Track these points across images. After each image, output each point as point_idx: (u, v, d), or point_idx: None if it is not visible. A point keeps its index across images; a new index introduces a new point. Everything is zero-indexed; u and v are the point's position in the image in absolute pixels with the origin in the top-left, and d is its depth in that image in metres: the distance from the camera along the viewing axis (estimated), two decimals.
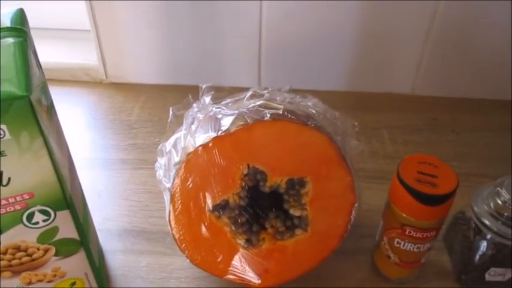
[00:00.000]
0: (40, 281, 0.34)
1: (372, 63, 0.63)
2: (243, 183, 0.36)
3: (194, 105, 0.43)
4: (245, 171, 0.36)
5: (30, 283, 0.34)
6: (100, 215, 0.47)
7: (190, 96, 0.45)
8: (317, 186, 0.37)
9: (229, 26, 0.60)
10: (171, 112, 0.44)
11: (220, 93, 0.43)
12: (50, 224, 0.31)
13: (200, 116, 0.40)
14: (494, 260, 0.40)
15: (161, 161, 0.41)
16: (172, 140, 0.40)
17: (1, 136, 0.26)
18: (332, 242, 0.39)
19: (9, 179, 0.28)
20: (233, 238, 0.37)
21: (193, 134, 0.36)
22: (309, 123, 0.36)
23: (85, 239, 0.34)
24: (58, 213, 0.31)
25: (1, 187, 0.28)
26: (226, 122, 0.35)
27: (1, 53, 0.27)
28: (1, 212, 0.29)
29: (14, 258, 0.32)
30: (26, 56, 0.27)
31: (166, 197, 0.38)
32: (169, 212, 0.37)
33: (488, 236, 0.39)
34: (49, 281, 0.34)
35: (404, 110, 0.63)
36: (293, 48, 0.62)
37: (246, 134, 0.35)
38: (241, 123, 0.35)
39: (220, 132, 0.35)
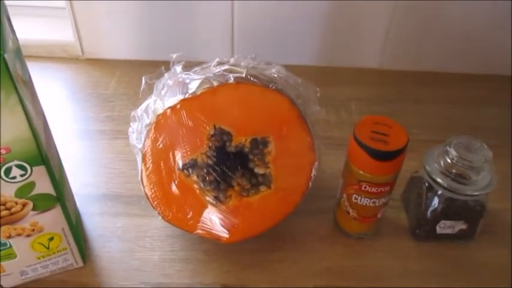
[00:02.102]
0: (19, 235, 0.36)
1: (341, 38, 0.66)
2: (210, 143, 0.39)
3: (165, 74, 0.46)
4: (212, 132, 0.38)
5: (9, 237, 0.36)
6: (79, 181, 0.49)
7: (162, 67, 0.47)
8: (279, 145, 0.39)
9: (203, 2, 0.62)
10: (143, 81, 0.46)
11: (192, 66, 0.46)
12: (26, 179, 0.33)
13: (170, 82, 0.42)
14: (444, 214, 0.43)
15: (134, 126, 0.43)
16: (144, 106, 0.42)
17: None
18: (295, 198, 0.42)
19: None
20: (202, 195, 0.40)
21: (162, 97, 0.39)
22: (271, 86, 0.38)
23: (61, 195, 0.36)
24: (34, 168, 0.33)
25: None
26: (193, 86, 0.38)
27: None
28: None
29: None
30: (0, 18, 0.29)
31: (139, 158, 0.41)
32: (141, 171, 0.39)
33: (439, 192, 0.42)
34: (28, 235, 0.36)
35: (372, 84, 0.66)
36: (264, 25, 0.65)
37: (211, 96, 0.37)
38: (207, 86, 0.37)
39: (187, 95, 0.37)
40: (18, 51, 0.33)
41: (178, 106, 0.37)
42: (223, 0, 0.62)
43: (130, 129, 0.44)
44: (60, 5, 0.66)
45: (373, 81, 0.67)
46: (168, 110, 0.37)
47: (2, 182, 0.32)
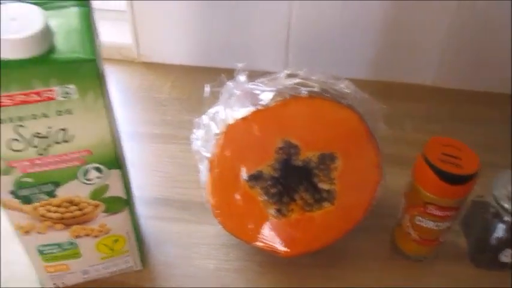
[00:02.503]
0: (87, 235, 0.37)
1: (396, 53, 0.65)
2: (277, 156, 0.39)
3: (229, 83, 0.46)
4: (280, 145, 0.38)
5: (78, 236, 0.36)
6: (133, 183, 0.50)
7: (223, 75, 0.48)
8: (346, 162, 0.39)
9: (260, 11, 0.62)
10: (207, 89, 0.47)
11: (255, 76, 0.46)
12: (102, 181, 0.34)
13: (237, 92, 0.42)
14: (509, 242, 0.42)
15: (198, 133, 0.43)
16: (210, 113, 0.43)
17: (69, 95, 0.29)
18: (357, 215, 0.41)
19: (72, 136, 0.30)
20: (264, 207, 0.40)
21: (232, 107, 0.39)
22: (342, 101, 0.38)
23: (130, 199, 0.37)
24: (110, 171, 0.33)
25: (64, 143, 0.30)
26: (265, 97, 0.38)
27: (70, 20, 0.29)
28: (61, 167, 0.32)
29: (67, 212, 0.34)
30: (91, 24, 0.30)
31: (203, 166, 0.41)
32: (207, 179, 0.39)
33: (506, 219, 0.41)
34: (95, 236, 0.37)
35: (426, 101, 0.65)
36: (320, 36, 0.64)
37: (283, 109, 0.37)
38: (279, 99, 0.37)
39: (259, 106, 0.37)
40: (100, 53, 0.34)
41: (249, 117, 0.37)
42: (281, 9, 0.62)
43: (193, 136, 0.44)
44: (119, 7, 0.67)
45: (428, 98, 0.65)
46: (240, 121, 0.37)
47: (79, 183, 0.33)
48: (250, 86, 0.41)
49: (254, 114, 0.37)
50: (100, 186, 0.34)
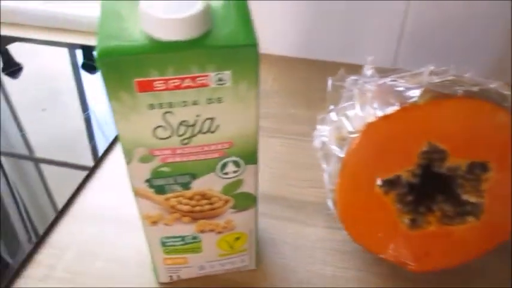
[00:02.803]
0: (212, 230, 0.35)
1: None
2: (419, 161, 0.35)
3: (353, 77, 0.43)
4: (425, 148, 0.34)
5: (202, 231, 0.35)
6: None
7: (342, 69, 0.44)
8: (500, 173, 0.34)
9: (374, 3, 0.58)
10: (329, 82, 0.44)
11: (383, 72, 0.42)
12: (237, 176, 0.31)
13: (370, 87, 0.38)
14: None
15: (323, 129, 0.40)
16: (339, 109, 0.40)
17: (223, 82, 0.26)
18: (503, 234, 0.36)
19: (217, 126, 0.28)
20: (398, 216, 0.36)
21: (371, 104, 0.35)
22: (504, 105, 0.33)
23: (257, 196, 0.34)
24: (246, 166, 0.31)
25: (209, 133, 0.29)
26: (412, 94, 0.34)
27: (226, 2, 0.27)
28: (202, 158, 0.30)
29: (197, 205, 0.33)
30: (247, 7, 0.28)
31: (330, 166, 0.38)
32: (336, 180, 0.36)
33: None
34: (219, 232, 0.35)
35: None
36: (435, 34, 0.59)
37: (435, 109, 0.33)
38: (429, 97, 0.33)
39: (405, 104, 0.33)
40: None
41: (393, 115, 0.33)
42: (397, 4, 0.58)
43: (317, 132, 0.42)
44: None
45: None
46: (381, 119, 0.34)
47: (215, 176, 0.31)
48: (389, 81, 0.38)
49: (399, 112, 0.33)
50: (234, 181, 0.32)
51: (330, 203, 0.40)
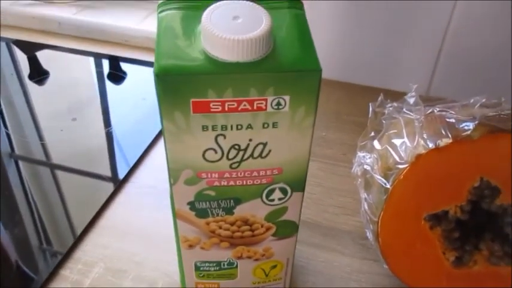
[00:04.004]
0: (249, 257, 0.33)
1: None
2: (470, 197, 0.33)
3: (395, 104, 0.42)
4: (476, 184, 0.33)
5: (240, 257, 0.33)
6: None
7: (382, 94, 0.43)
8: None
9: (412, 31, 0.57)
10: (370, 108, 0.43)
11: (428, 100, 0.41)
12: (283, 203, 0.30)
13: (417, 116, 0.37)
14: None
15: (364, 157, 0.39)
16: (382, 137, 0.38)
17: (281, 107, 0.25)
18: None
19: (269, 152, 0.27)
20: (442, 253, 0.35)
21: (420, 134, 0.34)
22: None
23: (299, 225, 0.33)
24: (293, 194, 0.30)
25: (259, 158, 0.27)
26: (466, 127, 0.33)
27: (286, 23, 0.26)
28: (249, 183, 0.29)
29: (238, 231, 0.31)
30: (309, 32, 0.27)
31: (370, 195, 0.36)
32: (382, 212, 0.35)
33: None
34: (256, 259, 0.34)
35: None
36: (472, 64, 0.58)
37: (490, 144, 0.32)
38: (484, 130, 0.32)
39: (459, 137, 0.32)
40: None
41: (447, 148, 0.32)
42: (435, 32, 0.57)
43: (357, 159, 0.40)
44: None
45: None
46: (433, 151, 0.32)
47: (260, 202, 0.30)
48: (437, 111, 0.36)
49: (453, 145, 0.32)
50: (279, 208, 0.30)
51: (369, 234, 0.38)
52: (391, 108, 0.41)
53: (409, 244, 0.35)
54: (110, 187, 0.48)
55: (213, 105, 0.25)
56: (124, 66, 0.66)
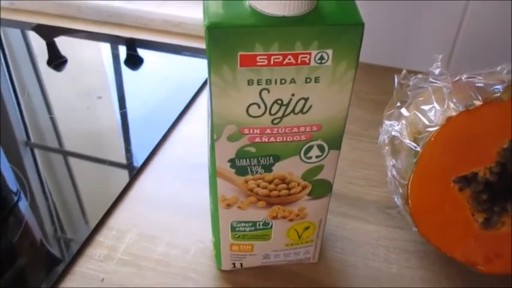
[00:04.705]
0: (284, 217, 0.34)
1: None
2: (499, 158, 0.34)
3: (419, 75, 0.43)
4: (505, 146, 0.34)
5: (275, 217, 0.34)
6: None
7: (405, 70, 0.44)
8: None
9: (431, 11, 0.58)
10: (396, 79, 0.44)
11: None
12: (319, 161, 0.31)
13: (443, 84, 0.38)
14: None
15: (390, 124, 0.40)
16: (410, 105, 0.39)
17: (323, 61, 0.26)
18: None
19: (310, 107, 0.28)
20: (471, 215, 0.36)
21: (449, 99, 0.35)
22: None
23: (333, 184, 0.34)
24: (329, 152, 0.31)
25: (300, 114, 0.28)
26: (495, 89, 0.33)
27: None
28: (288, 140, 0.30)
29: (275, 190, 0.32)
30: None
31: (402, 161, 0.37)
32: (412, 174, 0.36)
33: None
34: (290, 220, 0.35)
35: None
36: (488, 49, 0.59)
37: None
38: None
39: (489, 99, 0.33)
40: None
41: (477, 110, 0.33)
42: (453, 15, 0.57)
43: (384, 127, 0.41)
44: None
45: None
46: (463, 113, 0.33)
47: (298, 160, 0.31)
48: (463, 78, 0.37)
49: (483, 107, 0.33)
50: (315, 166, 0.31)
51: (397, 199, 0.39)
52: (415, 80, 0.42)
53: (438, 206, 0.36)
54: (141, 158, 0.49)
55: (260, 58, 0.26)
56: (142, 51, 0.67)
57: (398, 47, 0.63)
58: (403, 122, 0.38)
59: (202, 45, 0.68)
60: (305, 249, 0.38)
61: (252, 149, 0.30)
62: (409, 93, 0.42)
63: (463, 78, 0.37)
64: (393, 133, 0.39)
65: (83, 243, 0.40)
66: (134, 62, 0.66)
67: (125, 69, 0.64)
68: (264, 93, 0.27)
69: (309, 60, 0.26)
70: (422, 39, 0.61)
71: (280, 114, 0.28)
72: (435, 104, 0.36)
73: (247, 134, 0.29)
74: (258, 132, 0.29)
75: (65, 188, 0.47)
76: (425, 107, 0.37)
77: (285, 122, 0.29)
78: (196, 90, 0.59)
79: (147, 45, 0.68)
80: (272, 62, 0.26)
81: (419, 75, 0.43)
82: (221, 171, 0.31)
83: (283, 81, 0.27)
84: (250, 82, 0.27)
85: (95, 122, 0.55)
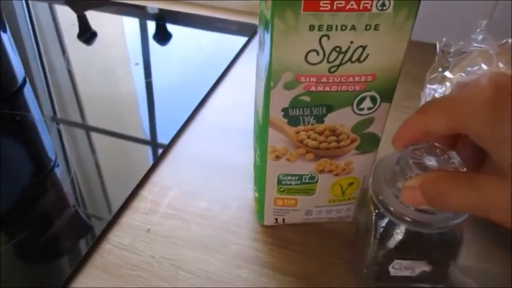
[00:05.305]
0: (330, 171, 0.35)
1: None
2: None
3: (461, 42, 0.43)
4: None
5: (321, 171, 0.35)
6: None
7: (444, 38, 0.44)
8: None
9: None
10: (438, 46, 0.44)
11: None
12: (371, 113, 0.32)
13: (488, 47, 0.38)
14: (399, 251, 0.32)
15: (433, 88, 0.40)
16: (453, 68, 0.40)
17: (385, 8, 0.27)
18: None
19: (367, 56, 0.29)
20: None
21: (499, 60, 0.35)
22: None
23: (380, 139, 0.34)
24: (381, 104, 0.32)
25: (357, 63, 0.29)
26: None
27: None
28: (343, 89, 0.30)
29: (324, 142, 0.33)
30: None
31: None
32: None
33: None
34: (336, 174, 0.35)
35: None
36: None
37: None
38: None
39: None
40: None
41: None
42: None
43: (426, 91, 0.42)
44: None
45: None
46: None
47: (350, 111, 0.31)
48: (510, 41, 0.38)
49: None
50: (366, 118, 0.32)
51: None
52: (457, 46, 0.43)
53: None
54: (179, 123, 0.50)
55: (323, 3, 0.26)
56: (171, 26, 0.68)
57: (433, 22, 0.63)
58: (448, 84, 0.39)
59: (231, 17, 0.69)
60: (347, 207, 0.38)
61: (307, 98, 0.31)
62: (450, 59, 0.43)
63: (509, 41, 0.38)
64: (436, 95, 0.39)
65: (128, 196, 0.42)
66: (164, 34, 0.67)
67: (152, 43, 0.65)
68: (324, 39, 0.28)
69: (371, 6, 0.27)
70: (460, 13, 0.61)
71: (337, 62, 0.29)
72: (482, 65, 0.36)
73: (303, 82, 0.30)
74: (314, 80, 0.30)
75: (111, 148, 0.48)
76: (471, 69, 0.37)
77: (341, 71, 0.29)
78: (230, 59, 0.59)
79: (177, 17, 0.69)
80: (335, 7, 0.27)
81: (461, 42, 0.43)
82: (274, 120, 0.32)
83: (343, 27, 0.27)
84: (311, 27, 0.27)
85: (130, 89, 0.56)
